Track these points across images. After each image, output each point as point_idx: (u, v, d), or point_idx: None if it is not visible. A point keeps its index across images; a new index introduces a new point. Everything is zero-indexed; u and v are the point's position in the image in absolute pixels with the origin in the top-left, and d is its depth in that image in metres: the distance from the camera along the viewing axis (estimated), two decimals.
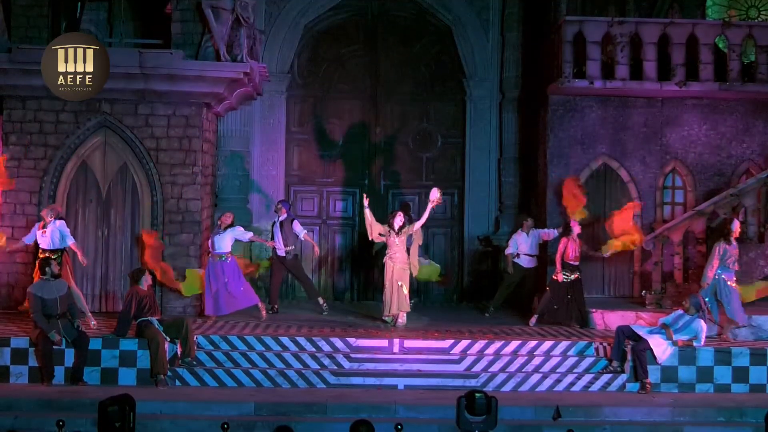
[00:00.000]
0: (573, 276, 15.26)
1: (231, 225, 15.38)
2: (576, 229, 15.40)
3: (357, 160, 19.33)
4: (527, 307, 16.48)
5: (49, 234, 14.08)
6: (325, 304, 16.30)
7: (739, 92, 16.94)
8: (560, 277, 15.26)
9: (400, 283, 15.02)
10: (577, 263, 15.32)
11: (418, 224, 15.48)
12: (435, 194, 15.30)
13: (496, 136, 18.97)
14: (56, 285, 12.97)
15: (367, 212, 15.36)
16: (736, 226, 14.45)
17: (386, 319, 15.14)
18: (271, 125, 18.88)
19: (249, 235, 15.68)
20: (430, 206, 15.32)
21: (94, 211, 15.66)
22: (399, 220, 15.24)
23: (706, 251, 15.74)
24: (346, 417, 10.97)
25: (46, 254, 13.87)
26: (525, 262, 16.66)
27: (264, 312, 15.22)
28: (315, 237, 18.49)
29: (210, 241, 15.33)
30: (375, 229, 15.36)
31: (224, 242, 15.24)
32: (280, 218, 16.27)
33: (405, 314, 15.14)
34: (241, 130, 18.34)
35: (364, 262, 18.89)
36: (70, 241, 14.17)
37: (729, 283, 14.12)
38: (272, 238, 16.31)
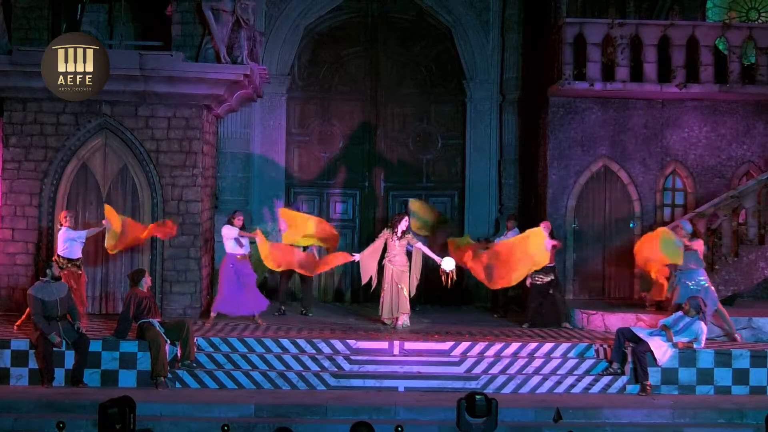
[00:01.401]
0: (547, 279, 15.30)
1: (243, 227, 15.45)
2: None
3: (357, 162, 19.34)
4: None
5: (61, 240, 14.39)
6: (311, 314, 16.34)
7: (740, 94, 16.96)
8: (528, 281, 15.38)
9: (400, 286, 15.02)
10: (550, 265, 15.31)
11: (420, 245, 15.42)
12: (449, 266, 15.10)
13: (497, 137, 18.99)
14: (56, 287, 12.97)
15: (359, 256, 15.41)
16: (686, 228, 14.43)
17: (386, 321, 15.13)
18: (271, 127, 18.89)
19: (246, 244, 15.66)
20: (438, 261, 15.14)
21: (94, 212, 15.64)
22: (404, 224, 15.21)
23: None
24: (346, 419, 10.99)
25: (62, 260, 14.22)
26: None
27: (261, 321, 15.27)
28: None
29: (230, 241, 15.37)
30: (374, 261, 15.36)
31: (245, 242, 15.42)
32: None
33: (407, 316, 15.13)
34: (242, 131, 18.34)
35: None
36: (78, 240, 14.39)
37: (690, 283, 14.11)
38: None
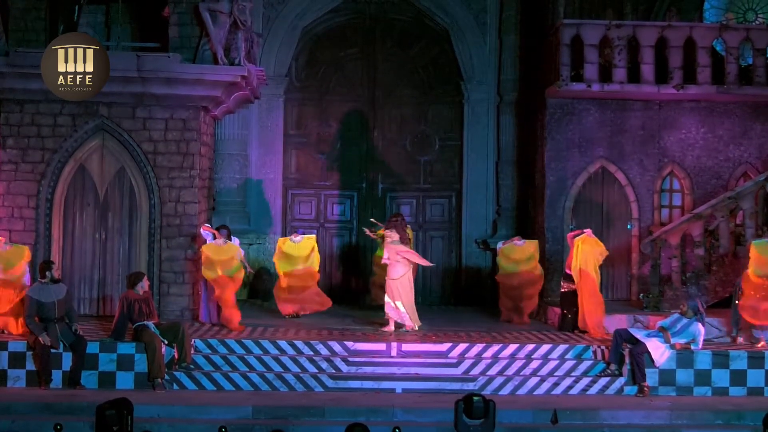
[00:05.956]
0: (574, 286, 15.28)
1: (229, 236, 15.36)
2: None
3: (355, 163, 19.35)
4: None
5: None
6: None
7: (737, 95, 16.96)
8: (564, 286, 15.31)
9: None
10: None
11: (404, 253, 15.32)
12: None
13: (494, 139, 19.00)
14: (55, 288, 12.96)
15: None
16: None
17: (407, 330, 14.91)
18: (268, 128, 18.89)
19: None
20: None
21: (91, 214, 15.65)
22: (391, 232, 15.11)
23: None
24: (343, 420, 10.95)
25: None
26: None
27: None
28: None
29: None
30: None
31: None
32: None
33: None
34: (239, 133, 18.36)
35: (361, 265, 18.89)
36: None
37: None
38: None
